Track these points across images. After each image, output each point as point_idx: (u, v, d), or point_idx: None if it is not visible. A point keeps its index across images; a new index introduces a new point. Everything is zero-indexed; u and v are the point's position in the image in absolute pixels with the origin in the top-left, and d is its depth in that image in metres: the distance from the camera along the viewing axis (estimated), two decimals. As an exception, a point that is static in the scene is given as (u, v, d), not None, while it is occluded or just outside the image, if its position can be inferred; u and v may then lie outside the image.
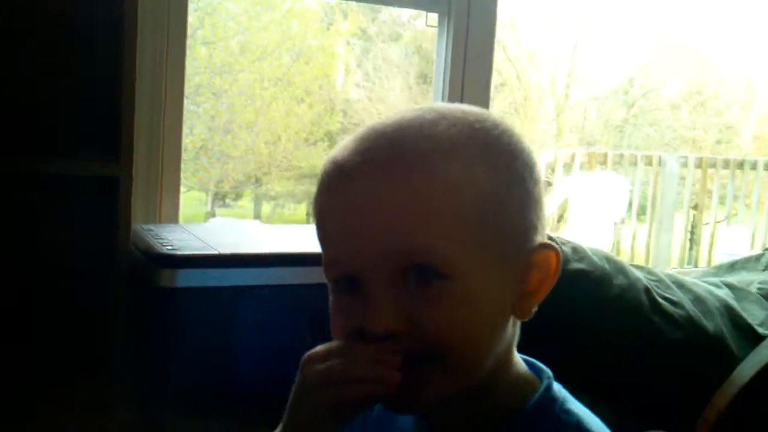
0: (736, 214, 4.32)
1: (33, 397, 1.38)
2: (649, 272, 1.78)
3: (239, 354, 1.41)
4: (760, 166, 4.34)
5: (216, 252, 1.41)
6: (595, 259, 1.69)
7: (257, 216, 5.32)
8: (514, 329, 0.76)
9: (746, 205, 4.30)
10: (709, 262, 4.15)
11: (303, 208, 5.41)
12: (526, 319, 0.75)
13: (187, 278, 1.37)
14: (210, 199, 5.25)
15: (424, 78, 5.87)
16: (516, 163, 0.73)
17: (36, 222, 1.49)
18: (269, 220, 5.25)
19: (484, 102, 2.05)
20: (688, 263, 4.32)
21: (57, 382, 1.44)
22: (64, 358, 1.46)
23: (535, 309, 0.75)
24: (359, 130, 0.73)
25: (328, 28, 5.91)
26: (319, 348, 0.72)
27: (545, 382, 0.77)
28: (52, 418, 1.34)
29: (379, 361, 0.68)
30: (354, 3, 5.90)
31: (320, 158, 5.68)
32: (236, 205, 5.53)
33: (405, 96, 5.82)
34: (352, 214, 0.69)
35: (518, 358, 0.78)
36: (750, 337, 1.71)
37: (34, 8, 1.48)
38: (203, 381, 1.40)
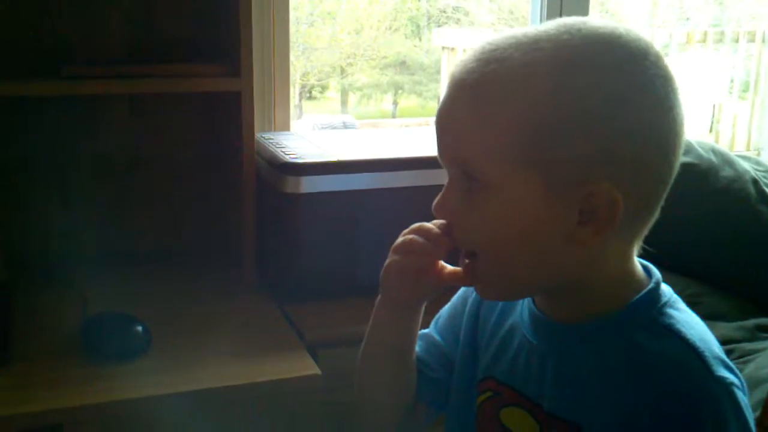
0: None
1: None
2: (757, 162, 1.78)
3: (361, 254, 1.50)
4: None
5: (336, 159, 1.49)
6: (701, 151, 1.70)
7: (344, 106, 5.37)
8: (601, 252, 0.79)
9: None
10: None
11: (388, 99, 5.43)
12: (584, 247, 0.78)
13: (311, 184, 1.45)
14: (297, 91, 5.32)
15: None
16: (600, 96, 0.74)
17: (173, 134, 1.61)
18: (356, 111, 5.29)
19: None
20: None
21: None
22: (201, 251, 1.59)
23: (594, 240, 0.77)
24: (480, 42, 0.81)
25: None
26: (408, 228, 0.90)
27: (651, 284, 0.82)
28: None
29: (430, 239, 0.86)
30: None
31: (403, 45, 5.64)
32: (322, 97, 5.58)
33: None
34: (438, 114, 0.82)
35: (627, 270, 0.83)
36: None
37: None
38: (329, 278, 1.51)
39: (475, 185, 0.79)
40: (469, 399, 0.94)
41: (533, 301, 0.89)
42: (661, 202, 0.81)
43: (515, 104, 0.75)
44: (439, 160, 0.83)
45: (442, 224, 0.86)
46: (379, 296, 0.95)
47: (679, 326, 0.79)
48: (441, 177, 0.84)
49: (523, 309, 0.91)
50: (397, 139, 1.80)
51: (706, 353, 0.78)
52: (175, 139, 1.65)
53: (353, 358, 1.00)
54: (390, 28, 5.69)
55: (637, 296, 0.81)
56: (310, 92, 5.47)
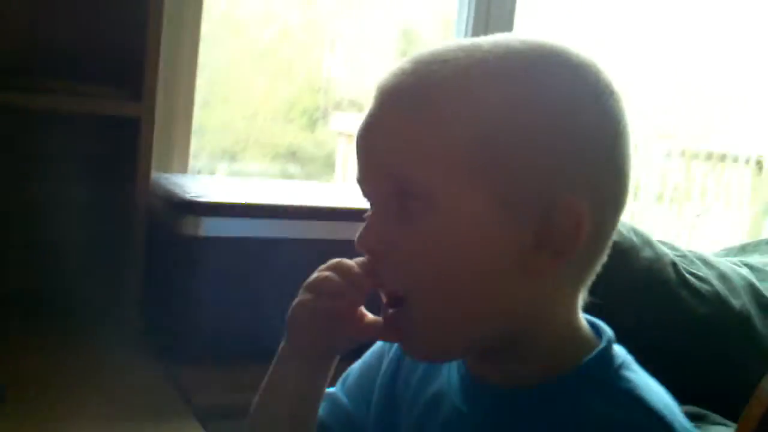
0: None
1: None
2: (673, 247, 1.74)
3: (266, 312, 1.32)
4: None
5: (243, 201, 1.33)
6: (623, 230, 1.64)
7: (232, 192, 5.21)
8: (554, 288, 0.69)
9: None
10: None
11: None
12: (538, 279, 0.68)
13: (212, 227, 1.28)
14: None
15: (404, 55, 5.77)
16: (553, 106, 0.66)
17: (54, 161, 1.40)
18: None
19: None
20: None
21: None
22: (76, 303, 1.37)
23: (550, 270, 0.67)
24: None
25: (310, 4, 5.80)
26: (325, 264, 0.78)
27: (603, 343, 0.71)
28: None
29: (351, 281, 0.73)
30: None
31: (297, 137, 5.59)
32: (210, 181, 5.39)
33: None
34: (362, 130, 0.70)
35: (575, 322, 0.72)
36: (774, 316, 1.69)
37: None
38: (227, 339, 1.32)
39: (411, 205, 0.67)
40: None
41: (463, 363, 0.76)
42: (612, 236, 0.71)
43: (463, 107, 0.65)
44: (362, 182, 0.72)
45: (364, 263, 0.73)
46: (282, 343, 0.80)
47: (640, 392, 0.68)
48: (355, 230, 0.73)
49: (450, 372, 0.77)
50: (310, 192, 1.65)
51: (675, 424, 0.66)
52: (56, 168, 1.44)
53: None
54: (286, 118, 5.62)
55: (590, 356, 0.70)
56: (198, 173, 5.27)
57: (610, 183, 0.69)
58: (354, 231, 0.72)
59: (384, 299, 0.73)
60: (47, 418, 1.06)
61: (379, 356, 0.86)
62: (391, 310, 0.72)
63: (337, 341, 0.78)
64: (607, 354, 0.71)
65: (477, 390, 0.74)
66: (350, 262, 0.75)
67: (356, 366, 0.89)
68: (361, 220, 0.71)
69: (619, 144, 0.69)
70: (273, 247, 1.32)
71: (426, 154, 0.66)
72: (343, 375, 0.88)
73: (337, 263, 0.76)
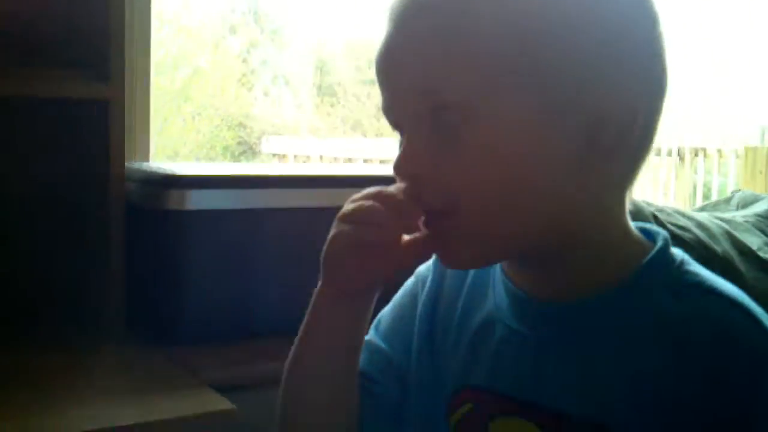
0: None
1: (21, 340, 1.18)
2: (648, 203, 1.75)
3: (258, 288, 1.26)
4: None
5: (229, 173, 1.26)
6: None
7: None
8: (605, 187, 0.66)
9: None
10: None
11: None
12: (591, 179, 0.64)
13: (198, 200, 1.21)
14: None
15: (319, 89, 5.79)
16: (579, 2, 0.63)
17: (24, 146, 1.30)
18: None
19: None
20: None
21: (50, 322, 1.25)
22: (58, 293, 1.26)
23: (604, 168, 0.64)
24: None
25: (218, 45, 5.78)
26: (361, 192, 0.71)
27: (660, 243, 0.68)
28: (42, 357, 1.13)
29: (396, 209, 0.66)
30: (242, 13, 5.77)
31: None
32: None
33: (307, 105, 5.73)
34: (385, 53, 0.66)
35: (626, 224, 0.69)
36: (753, 260, 1.70)
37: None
38: (219, 318, 1.24)
39: (450, 119, 0.62)
40: (437, 420, 0.73)
41: (512, 283, 0.71)
42: (658, 126, 0.68)
43: (495, 10, 0.61)
44: (390, 109, 0.67)
45: (406, 189, 0.67)
46: (319, 283, 0.74)
47: (711, 283, 0.65)
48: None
49: (497, 295, 0.73)
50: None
51: (753, 309, 0.63)
52: (23, 155, 1.33)
53: (264, 401, 0.78)
54: (207, 157, 5.56)
55: (648, 257, 0.66)
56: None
57: (654, 70, 0.66)
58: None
59: (424, 217, 0.68)
60: (48, 401, 0.96)
61: (413, 297, 0.81)
62: (432, 224, 0.67)
63: (380, 273, 0.72)
64: (667, 252, 0.67)
65: (533, 307, 0.69)
66: (392, 190, 0.69)
67: (387, 310, 0.82)
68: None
69: (657, 28, 0.66)
70: (260, 218, 1.24)
71: (458, 62, 0.62)
72: (374, 322, 0.81)
73: (378, 191, 0.70)
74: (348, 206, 0.71)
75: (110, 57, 1.23)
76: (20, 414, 0.91)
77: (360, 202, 0.70)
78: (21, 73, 1.21)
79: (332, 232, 0.71)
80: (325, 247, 0.71)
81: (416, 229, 0.69)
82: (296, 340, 0.76)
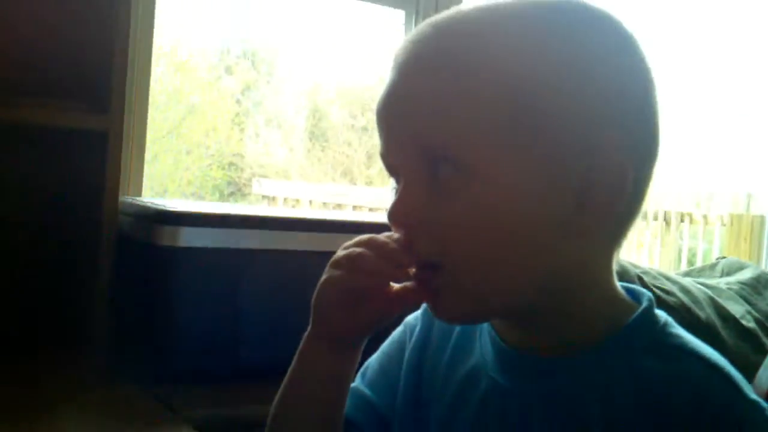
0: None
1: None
2: (634, 264, 1.76)
3: (245, 328, 1.25)
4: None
5: (221, 212, 1.27)
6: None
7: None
8: (594, 249, 0.67)
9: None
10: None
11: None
12: (579, 240, 0.65)
13: (191, 237, 1.21)
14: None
15: (312, 133, 5.83)
16: (582, 55, 0.64)
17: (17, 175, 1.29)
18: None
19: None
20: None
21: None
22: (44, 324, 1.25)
23: (593, 229, 0.65)
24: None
25: (214, 85, 5.81)
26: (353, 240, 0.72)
27: (645, 304, 0.69)
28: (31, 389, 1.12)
29: (387, 257, 0.67)
30: (237, 57, 5.82)
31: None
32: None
33: (298, 149, 5.75)
34: (387, 102, 0.67)
35: (613, 284, 0.70)
36: (735, 328, 1.72)
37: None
38: (206, 356, 1.23)
39: (447, 173, 0.63)
40: None
41: (498, 335, 0.72)
42: (648, 191, 0.69)
43: (490, 66, 0.63)
44: (388, 156, 0.68)
45: (399, 238, 0.68)
46: (308, 329, 0.74)
47: (692, 346, 0.66)
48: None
49: (483, 346, 0.73)
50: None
51: (732, 373, 0.64)
52: (14, 186, 1.33)
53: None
54: (195, 195, 5.54)
55: (633, 316, 0.67)
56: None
57: (645, 135, 0.67)
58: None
59: (415, 267, 0.68)
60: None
61: (400, 346, 0.81)
62: (423, 275, 0.68)
63: (370, 321, 0.72)
64: (651, 313, 0.68)
65: (517, 360, 0.70)
66: (384, 238, 0.70)
67: (374, 359, 0.83)
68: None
69: (651, 93, 0.68)
70: (251, 258, 1.25)
71: (456, 118, 0.63)
72: (361, 369, 0.82)
73: (370, 239, 0.71)
74: (339, 253, 0.72)
75: (111, 89, 1.25)
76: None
77: (351, 249, 0.71)
78: (20, 102, 1.22)
79: (323, 278, 0.72)
80: (315, 293, 0.72)
81: (406, 277, 0.69)
82: (283, 384, 0.76)
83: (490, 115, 0.62)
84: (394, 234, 0.69)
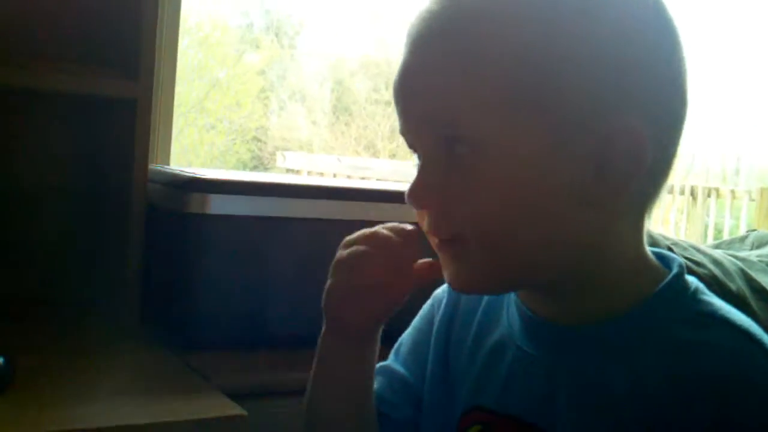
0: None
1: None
2: (664, 236, 1.74)
3: (273, 295, 1.25)
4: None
5: (250, 179, 1.26)
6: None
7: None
8: (617, 219, 0.66)
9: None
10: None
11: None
12: (600, 209, 0.64)
13: (219, 204, 1.21)
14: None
15: (335, 107, 5.82)
16: (597, 24, 0.62)
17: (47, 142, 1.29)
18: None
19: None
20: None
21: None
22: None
23: (613, 201, 0.63)
24: None
25: (238, 60, 5.81)
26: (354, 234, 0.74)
27: (675, 270, 0.67)
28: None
29: (390, 252, 0.70)
30: (260, 31, 5.80)
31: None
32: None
33: (321, 123, 5.74)
34: (402, 79, 0.66)
35: (642, 253, 0.69)
36: (767, 300, 1.69)
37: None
38: (233, 323, 1.23)
39: (462, 150, 0.63)
40: None
41: (525, 305, 0.71)
42: (676, 155, 0.67)
43: (506, 38, 0.61)
44: (406, 134, 0.68)
45: (403, 230, 0.73)
46: (323, 329, 0.77)
47: (724, 312, 0.65)
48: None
49: (510, 317, 0.73)
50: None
51: (765, 341, 0.63)
52: (44, 153, 1.33)
53: (276, 410, 0.87)
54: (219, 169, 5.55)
55: (662, 284, 0.66)
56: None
57: (669, 100, 0.65)
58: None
59: (436, 241, 0.68)
60: (61, 397, 0.95)
61: (429, 319, 0.82)
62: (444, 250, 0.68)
63: (380, 312, 0.75)
64: (681, 280, 0.67)
65: (546, 330, 0.69)
66: (386, 232, 0.72)
67: (407, 334, 0.84)
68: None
69: (677, 55, 0.65)
70: (279, 226, 1.24)
71: (469, 95, 0.62)
72: (395, 346, 0.84)
73: (372, 234, 0.72)
74: (342, 252, 0.73)
75: (141, 55, 1.24)
76: (34, 406, 0.90)
77: (353, 248, 0.72)
78: (49, 68, 1.22)
79: (329, 282, 0.74)
80: (323, 297, 0.74)
81: (409, 270, 0.72)
82: (308, 384, 0.79)
83: (500, 89, 0.61)
84: (397, 225, 0.72)
